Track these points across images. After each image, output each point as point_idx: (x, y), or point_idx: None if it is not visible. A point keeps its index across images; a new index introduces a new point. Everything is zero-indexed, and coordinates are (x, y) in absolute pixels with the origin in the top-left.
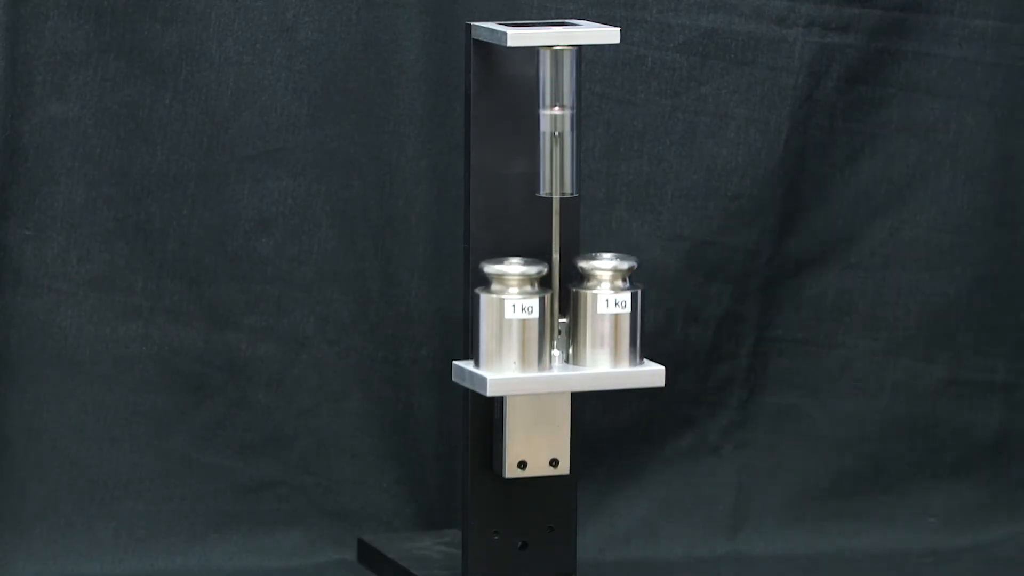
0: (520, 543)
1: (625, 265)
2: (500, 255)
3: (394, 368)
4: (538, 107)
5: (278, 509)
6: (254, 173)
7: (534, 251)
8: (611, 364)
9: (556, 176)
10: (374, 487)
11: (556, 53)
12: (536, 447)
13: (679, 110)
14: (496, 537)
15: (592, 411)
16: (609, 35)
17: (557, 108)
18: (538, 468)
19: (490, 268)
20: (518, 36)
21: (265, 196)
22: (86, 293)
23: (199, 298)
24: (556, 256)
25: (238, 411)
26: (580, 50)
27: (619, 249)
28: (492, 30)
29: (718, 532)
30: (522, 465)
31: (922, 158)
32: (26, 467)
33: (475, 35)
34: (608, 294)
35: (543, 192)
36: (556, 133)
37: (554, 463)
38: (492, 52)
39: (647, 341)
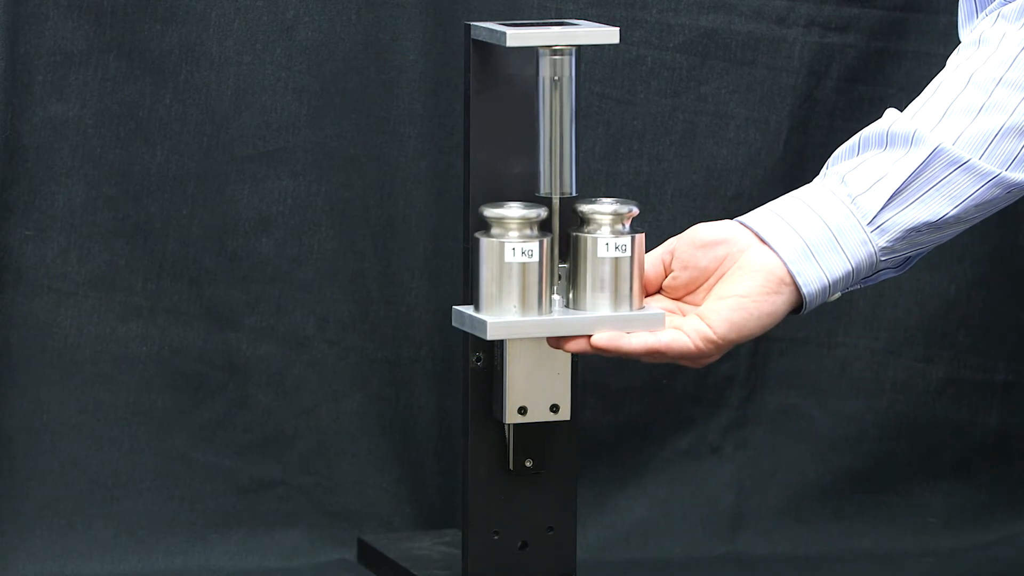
0: (520, 543)
1: (625, 209)
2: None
3: (394, 368)
4: (536, 108)
5: (278, 509)
6: (254, 173)
7: None
8: (611, 308)
9: (555, 175)
10: (374, 487)
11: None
12: (536, 393)
13: (679, 110)
14: (496, 537)
15: (592, 411)
16: (609, 35)
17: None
18: (538, 414)
19: (490, 212)
20: (517, 36)
21: (265, 196)
22: (86, 293)
23: (199, 298)
24: (556, 201)
25: (238, 411)
26: (580, 50)
27: None
28: (492, 30)
29: (718, 532)
30: (522, 411)
31: None
32: (26, 467)
33: (474, 35)
34: (608, 238)
35: (542, 192)
36: (556, 78)
37: (555, 409)
38: (492, 52)
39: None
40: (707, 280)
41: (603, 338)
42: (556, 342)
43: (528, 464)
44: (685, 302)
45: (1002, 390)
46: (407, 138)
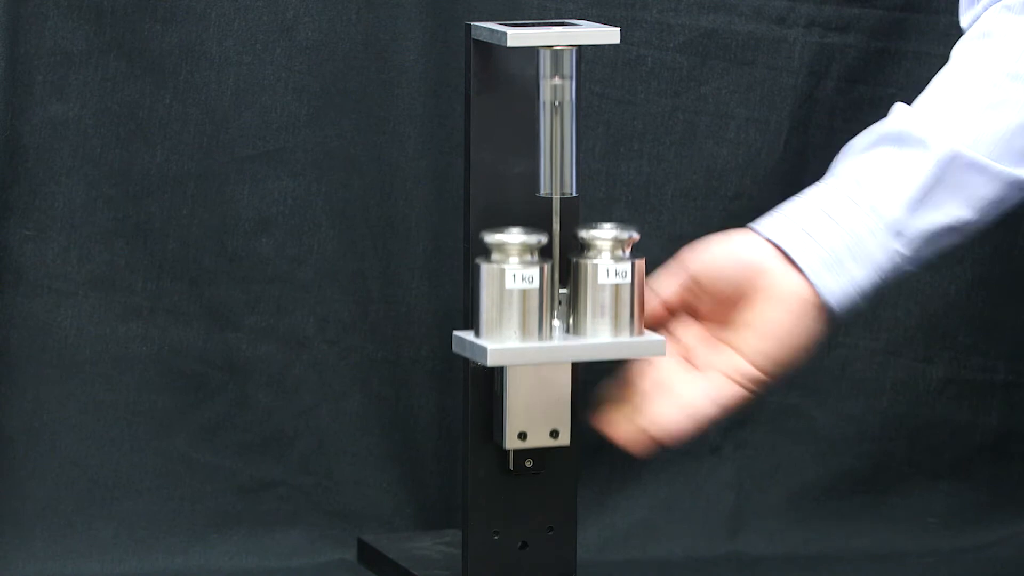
0: (520, 543)
1: (626, 235)
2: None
3: (394, 368)
4: (537, 105)
5: (278, 509)
6: (254, 173)
7: None
8: (612, 334)
9: (555, 175)
10: (374, 487)
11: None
12: (536, 418)
13: (679, 110)
14: (496, 537)
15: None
16: (609, 35)
17: (557, 78)
18: (538, 439)
19: (490, 238)
20: (518, 36)
21: (265, 196)
22: (86, 293)
23: (199, 298)
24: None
25: (238, 411)
26: (580, 50)
27: None
28: (492, 30)
29: (718, 532)
30: (522, 436)
31: None
32: (26, 467)
33: (475, 35)
34: (609, 264)
35: (543, 192)
36: (556, 103)
37: (554, 434)
38: (492, 52)
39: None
40: (733, 303)
41: (670, 422)
42: (605, 426)
43: (528, 464)
44: (711, 322)
45: (1002, 390)
46: (407, 138)
